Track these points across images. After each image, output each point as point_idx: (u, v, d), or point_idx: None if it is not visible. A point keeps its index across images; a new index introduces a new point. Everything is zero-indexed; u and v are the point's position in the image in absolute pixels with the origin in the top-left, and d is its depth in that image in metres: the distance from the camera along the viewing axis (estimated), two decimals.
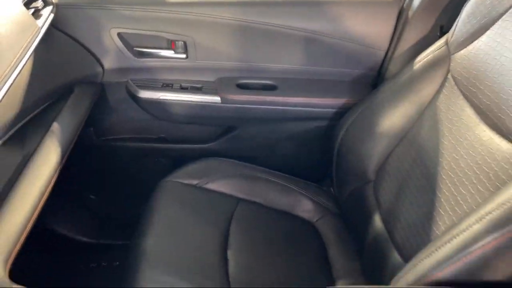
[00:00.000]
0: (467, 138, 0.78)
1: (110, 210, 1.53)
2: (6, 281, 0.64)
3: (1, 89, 0.71)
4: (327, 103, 1.23)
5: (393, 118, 0.99)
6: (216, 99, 1.22)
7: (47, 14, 0.97)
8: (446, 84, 0.91)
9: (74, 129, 1.03)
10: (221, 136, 1.35)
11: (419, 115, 0.95)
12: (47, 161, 0.88)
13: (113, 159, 1.41)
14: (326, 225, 1.14)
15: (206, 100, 1.22)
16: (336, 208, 1.18)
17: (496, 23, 0.80)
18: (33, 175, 0.83)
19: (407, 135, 0.97)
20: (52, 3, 1.03)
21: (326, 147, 1.19)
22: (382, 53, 1.19)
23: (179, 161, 1.25)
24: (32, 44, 0.85)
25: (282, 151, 1.36)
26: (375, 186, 1.01)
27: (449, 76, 0.90)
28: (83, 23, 1.13)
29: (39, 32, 0.89)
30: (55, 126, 0.97)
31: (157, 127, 1.35)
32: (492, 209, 0.59)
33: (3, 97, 0.72)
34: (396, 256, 0.84)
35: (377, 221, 0.95)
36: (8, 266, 0.66)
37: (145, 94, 1.22)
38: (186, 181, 1.15)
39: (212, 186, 1.16)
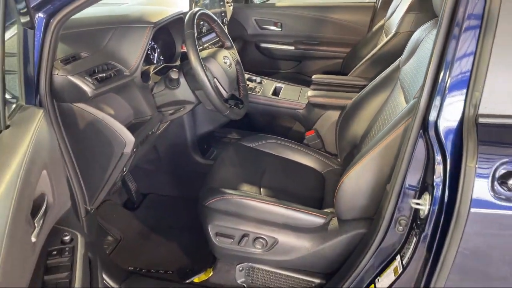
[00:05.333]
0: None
1: None
2: None
3: None
4: (334, 50, 2.79)
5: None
6: (292, 48, 2.88)
7: (231, 9, 2.71)
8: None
9: None
10: (294, 67, 2.98)
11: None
12: None
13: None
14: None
15: (288, 48, 2.90)
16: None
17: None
18: None
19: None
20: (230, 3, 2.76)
21: None
22: (365, 28, 2.70)
23: (274, 75, 2.88)
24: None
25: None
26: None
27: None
28: (242, 14, 2.87)
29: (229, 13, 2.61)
30: None
31: (266, 63, 3.02)
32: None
33: None
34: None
35: None
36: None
37: (263, 45, 2.94)
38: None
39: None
